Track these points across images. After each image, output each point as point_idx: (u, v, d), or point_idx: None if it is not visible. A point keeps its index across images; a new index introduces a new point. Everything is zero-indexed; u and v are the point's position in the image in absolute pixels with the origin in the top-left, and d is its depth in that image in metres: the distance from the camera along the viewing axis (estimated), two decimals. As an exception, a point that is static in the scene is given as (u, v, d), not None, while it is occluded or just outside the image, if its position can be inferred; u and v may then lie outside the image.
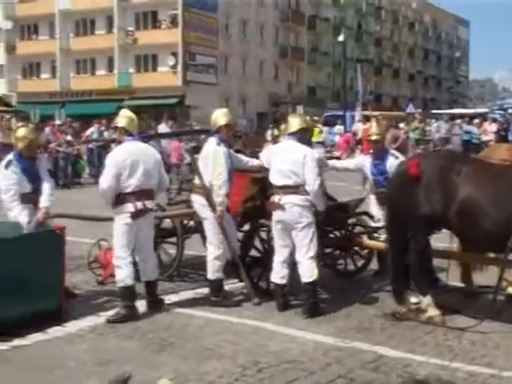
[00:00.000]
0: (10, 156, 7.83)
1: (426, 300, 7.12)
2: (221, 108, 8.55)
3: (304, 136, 7.74)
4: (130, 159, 7.34)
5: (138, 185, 7.35)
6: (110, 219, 8.32)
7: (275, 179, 7.49)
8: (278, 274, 7.51)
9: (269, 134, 36.62)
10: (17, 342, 6.45)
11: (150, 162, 7.52)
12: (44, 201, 7.76)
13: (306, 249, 7.32)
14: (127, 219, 7.34)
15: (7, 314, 6.53)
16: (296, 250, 7.38)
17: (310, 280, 7.33)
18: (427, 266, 7.38)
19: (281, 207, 7.33)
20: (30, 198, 7.72)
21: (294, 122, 7.69)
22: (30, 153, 7.85)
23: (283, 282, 7.49)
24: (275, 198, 7.42)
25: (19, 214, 7.59)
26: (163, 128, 28.85)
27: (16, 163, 7.71)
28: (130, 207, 7.34)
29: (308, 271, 7.33)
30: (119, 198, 7.36)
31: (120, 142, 7.66)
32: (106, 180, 7.35)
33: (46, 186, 7.87)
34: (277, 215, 7.40)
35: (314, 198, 7.34)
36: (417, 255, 7.13)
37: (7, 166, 7.71)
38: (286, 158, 7.43)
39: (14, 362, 5.99)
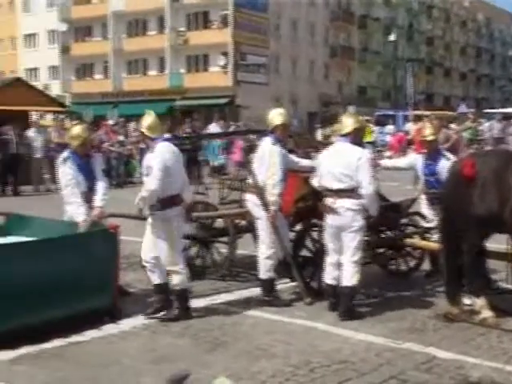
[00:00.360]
0: (66, 153, 8.01)
1: (480, 301, 7.03)
2: (274, 108, 8.54)
3: (358, 136, 7.64)
4: (174, 161, 7.29)
5: (179, 187, 7.34)
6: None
7: (328, 182, 7.38)
8: (330, 275, 7.49)
9: (319, 134, 36.68)
10: (73, 338, 6.57)
11: (182, 164, 7.56)
12: (99, 200, 7.90)
13: (352, 253, 7.25)
14: (180, 223, 7.37)
15: (63, 312, 6.66)
16: (342, 252, 7.34)
17: (349, 284, 7.27)
18: (481, 267, 7.30)
19: (334, 211, 7.26)
20: (85, 197, 7.86)
21: (348, 122, 7.55)
22: (84, 151, 8.02)
23: (334, 282, 7.45)
24: (328, 201, 7.33)
25: (76, 210, 7.73)
26: (214, 128, 29.09)
27: (72, 160, 7.89)
28: (179, 210, 7.34)
29: (349, 275, 7.26)
30: (165, 201, 7.19)
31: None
32: (157, 181, 7.07)
33: (101, 185, 8.02)
34: (330, 219, 7.34)
35: (368, 202, 7.23)
36: (470, 256, 7.05)
37: (64, 161, 7.89)
38: (339, 161, 7.27)
39: (71, 357, 6.10)
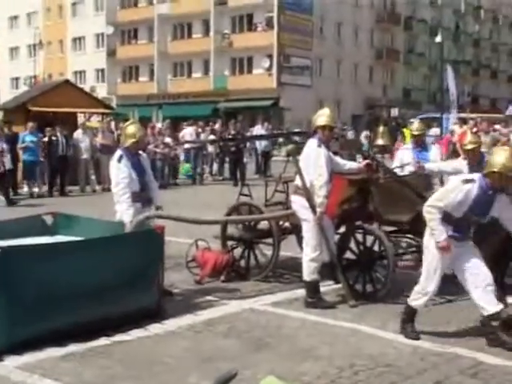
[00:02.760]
0: (120, 151, 8.17)
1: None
2: (318, 110, 8.52)
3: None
4: None
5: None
6: (209, 222, 8.51)
7: None
8: None
9: (363, 137, 36.49)
10: (119, 337, 6.64)
11: None
12: (158, 199, 8.34)
13: None
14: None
15: (110, 311, 6.74)
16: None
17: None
18: None
19: None
20: (137, 196, 8.03)
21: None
22: (138, 149, 8.30)
23: None
24: None
25: (126, 210, 7.86)
26: (259, 130, 29.20)
27: (126, 158, 8.04)
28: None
29: None
30: None
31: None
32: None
33: (155, 185, 8.46)
34: None
35: None
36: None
37: (119, 160, 8.04)
38: None
39: (117, 356, 6.17)
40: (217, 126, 27.62)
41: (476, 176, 6.43)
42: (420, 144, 10.20)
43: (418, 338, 6.63)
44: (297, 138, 13.18)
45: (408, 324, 6.76)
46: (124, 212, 7.85)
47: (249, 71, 57.24)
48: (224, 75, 57.84)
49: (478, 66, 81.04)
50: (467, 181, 6.37)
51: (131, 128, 8.35)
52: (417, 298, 6.72)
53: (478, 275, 6.48)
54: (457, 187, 6.35)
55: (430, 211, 6.44)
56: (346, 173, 8.26)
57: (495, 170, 6.26)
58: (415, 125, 10.66)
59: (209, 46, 57.61)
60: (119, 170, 7.98)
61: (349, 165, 8.33)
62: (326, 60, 59.56)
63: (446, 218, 6.40)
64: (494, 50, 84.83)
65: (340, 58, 61.11)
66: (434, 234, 6.43)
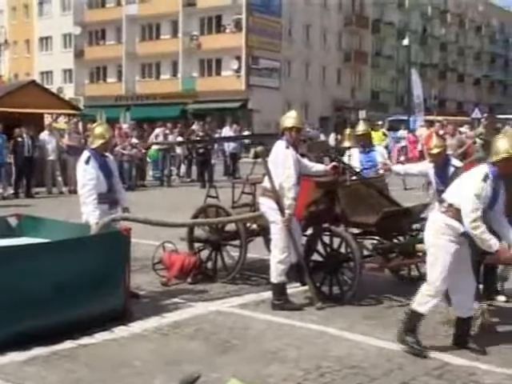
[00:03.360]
0: (88, 152, 8.06)
1: (478, 306, 6.99)
2: (287, 112, 8.52)
3: None
4: None
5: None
6: (176, 225, 8.47)
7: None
8: None
9: (331, 139, 36.63)
10: (84, 340, 6.57)
11: None
12: (125, 200, 8.33)
13: None
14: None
15: (75, 314, 6.66)
16: None
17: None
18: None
19: None
20: (105, 197, 7.97)
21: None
22: (105, 150, 8.25)
23: None
24: None
25: (92, 212, 7.77)
26: (227, 132, 29.17)
27: (94, 159, 7.96)
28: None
29: None
30: None
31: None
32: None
33: (121, 186, 8.40)
34: None
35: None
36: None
37: (87, 161, 7.94)
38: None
39: (82, 359, 6.11)
40: (194, 127, 27.33)
41: (486, 168, 6.21)
42: (365, 145, 10.29)
43: (422, 353, 6.22)
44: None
45: (410, 334, 6.33)
46: (90, 214, 7.77)
47: (217, 73, 57.18)
48: (192, 77, 57.73)
49: (444, 69, 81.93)
50: (485, 177, 6.10)
51: (99, 129, 8.30)
52: (425, 301, 6.30)
53: (468, 281, 6.41)
54: (481, 188, 6.06)
55: (478, 226, 5.99)
56: (313, 175, 8.27)
57: (505, 155, 6.13)
58: (359, 125, 10.71)
59: (177, 47, 57.44)
60: (86, 172, 7.89)
61: (316, 167, 8.32)
62: (295, 62, 59.74)
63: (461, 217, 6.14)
64: (461, 54, 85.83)
65: (308, 61, 61.33)
66: (491, 246, 6.04)
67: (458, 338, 6.53)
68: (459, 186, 6.36)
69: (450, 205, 6.30)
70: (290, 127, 7.91)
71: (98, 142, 8.10)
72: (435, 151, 8.61)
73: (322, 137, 33.95)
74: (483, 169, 6.23)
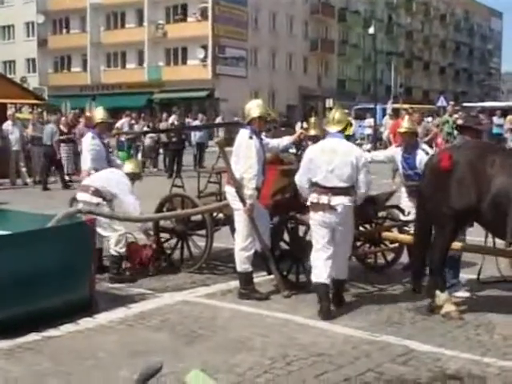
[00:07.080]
0: (92, 133, 9.52)
1: (443, 296, 7.06)
2: (252, 100, 8.48)
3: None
4: None
5: None
6: (142, 219, 8.40)
7: (324, 180, 7.07)
8: (325, 274, 7.15)
9: (298, 127, 36.66)
10: (49, 332, 6.50)
11: None
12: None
13: (346, 249, 7.35)
14: None
15: (39, 305, 6.59)
16: (335, 248, 7.20)
17: (344, 278, 7.45)
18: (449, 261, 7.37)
19: (331, 208, 7.03)
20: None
21: (342, 118, 7.42)
22: (105, 133, 9.86)
23: (328, 281, 7.19)
24: (322, 199, 7.05)
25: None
26: (193, 121, 29.01)
27: (97, 138, 9.41)
28: None
29: (345, 268, 7.39)
30: None
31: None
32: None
33: (118, 162, 9.92)
34: (324, 216, 7.06)
35: (360, 200, 7.25)
36: (442, 250, 7.07)
37: (93, 138, 9.37)
38: (338, 159, 7.03)
39: (47, 351, 6.04)
40: (172, 117, 26.49)
41: None
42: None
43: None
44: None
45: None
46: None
47: (183, 62, 56.91)
48: (158, 66, 57.37)
49: (410, 57, 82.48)
50: None
51: (101, 114, 9.63)
52: None
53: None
54: None
55: None
56: (282, 151, 8.63)
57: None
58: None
59: (143, 36, 57.03)
60: (93, 144, 9.40)
61: (282, 142, 8.44)
62: (261, 51, 59.68)
63: None
64: (426, 42, 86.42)
65: (275, 49, 61.31)
66: None
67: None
68: None
69: None
70: (255, 116, 7.87)
71: (101, 126, 9.68)
72: (403, 130, 8.81)
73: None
74: None
